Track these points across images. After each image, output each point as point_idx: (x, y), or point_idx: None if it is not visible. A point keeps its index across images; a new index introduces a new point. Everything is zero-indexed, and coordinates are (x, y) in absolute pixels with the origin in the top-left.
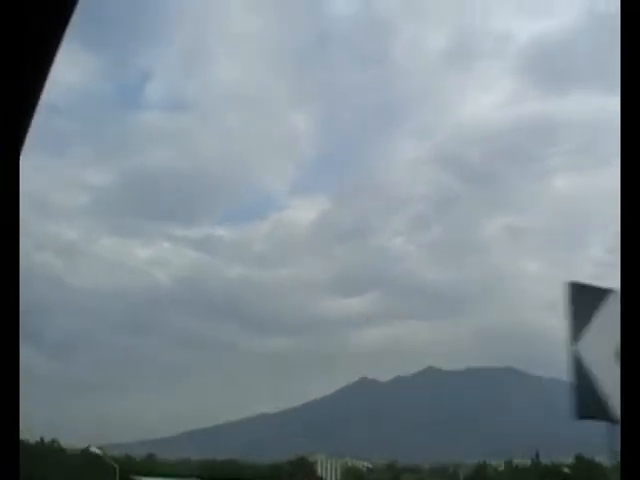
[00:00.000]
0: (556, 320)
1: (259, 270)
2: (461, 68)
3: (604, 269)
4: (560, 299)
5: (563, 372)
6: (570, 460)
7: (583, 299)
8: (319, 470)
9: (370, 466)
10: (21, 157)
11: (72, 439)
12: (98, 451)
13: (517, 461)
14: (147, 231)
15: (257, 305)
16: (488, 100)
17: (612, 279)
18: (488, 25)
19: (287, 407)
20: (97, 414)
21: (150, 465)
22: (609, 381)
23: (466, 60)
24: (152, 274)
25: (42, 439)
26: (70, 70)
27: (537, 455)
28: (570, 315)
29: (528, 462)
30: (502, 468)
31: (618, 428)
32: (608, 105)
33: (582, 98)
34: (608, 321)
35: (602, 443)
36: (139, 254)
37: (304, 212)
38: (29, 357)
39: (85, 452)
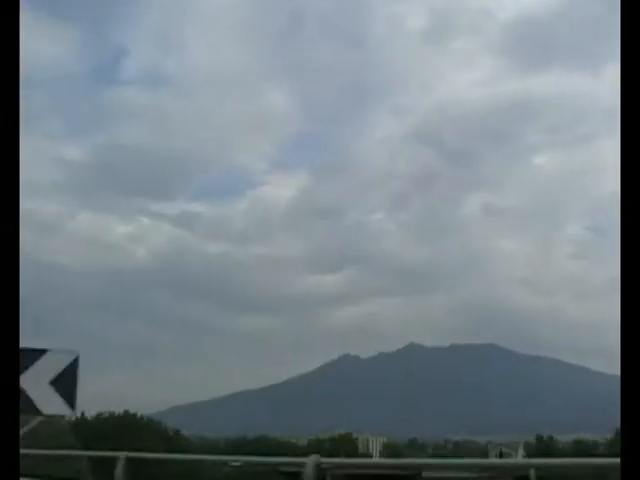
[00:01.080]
0: (533, 297)
1: (237, 247)
2: (440, 46)
3: (582, 246)
4: (537, 276)
5: (544, 349)
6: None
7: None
8: (360, 446)
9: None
10: None
11: None
12: None
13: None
14: (124, 207)
15: (235, 282)
16: (467, 78)
17: (589, 256)
18: (467, 2)
19: (268, 384)
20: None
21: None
22: None
23: (445, 38)
24: (130, 250)
25: None
26: (45, 45)
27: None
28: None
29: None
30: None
31: None
32: (587, 83)
33: (561, 76)
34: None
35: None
36: (117, 230)
37: (282, 189)
38: None
39: None
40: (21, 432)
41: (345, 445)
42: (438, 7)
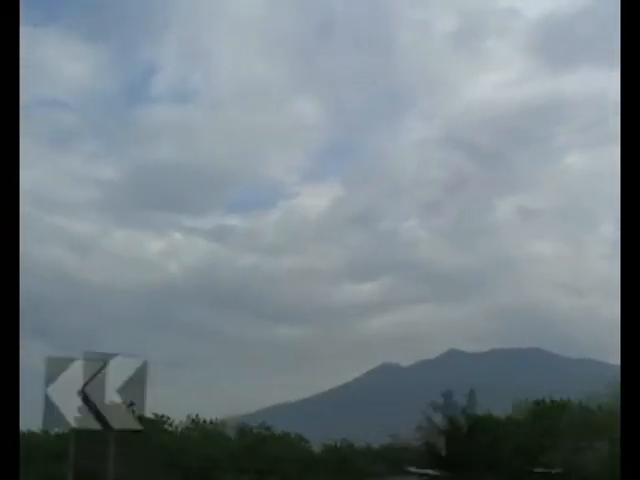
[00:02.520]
0: (571, 300)
1: (271, 259)
2: (468, 49)
3: (616, 247)
4: (574, 278)
5: (588, 352)
6: None
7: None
8: None
9: None
10: (31, 153)
11: None
12: None
13: None
14: (158, 223)
15: (270, 294)
16: (496, 80)
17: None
18: (494, 4)
19: (309, 395)
20: None
21: None
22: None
23: (473, 41)
24: (165, 266)
25: None
26: (75, 66)
27: None
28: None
29: None
30: None
31: None
32: (617, 79)
33: (591, 74)
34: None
35: None
36: (151, 246)
37: (314, 200)
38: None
39: None
40: None
41: None
42: (464, 9)
